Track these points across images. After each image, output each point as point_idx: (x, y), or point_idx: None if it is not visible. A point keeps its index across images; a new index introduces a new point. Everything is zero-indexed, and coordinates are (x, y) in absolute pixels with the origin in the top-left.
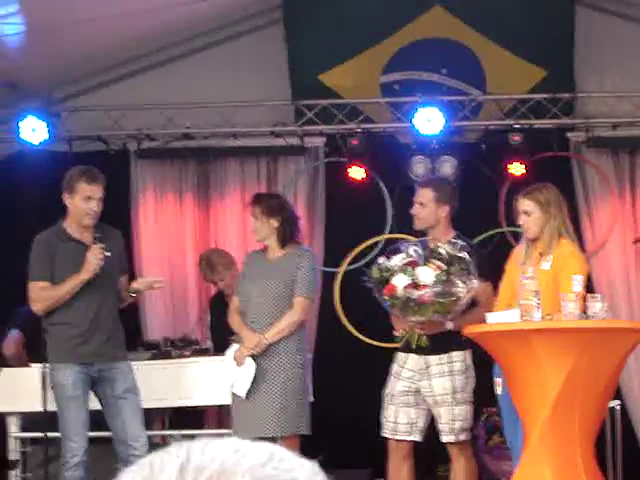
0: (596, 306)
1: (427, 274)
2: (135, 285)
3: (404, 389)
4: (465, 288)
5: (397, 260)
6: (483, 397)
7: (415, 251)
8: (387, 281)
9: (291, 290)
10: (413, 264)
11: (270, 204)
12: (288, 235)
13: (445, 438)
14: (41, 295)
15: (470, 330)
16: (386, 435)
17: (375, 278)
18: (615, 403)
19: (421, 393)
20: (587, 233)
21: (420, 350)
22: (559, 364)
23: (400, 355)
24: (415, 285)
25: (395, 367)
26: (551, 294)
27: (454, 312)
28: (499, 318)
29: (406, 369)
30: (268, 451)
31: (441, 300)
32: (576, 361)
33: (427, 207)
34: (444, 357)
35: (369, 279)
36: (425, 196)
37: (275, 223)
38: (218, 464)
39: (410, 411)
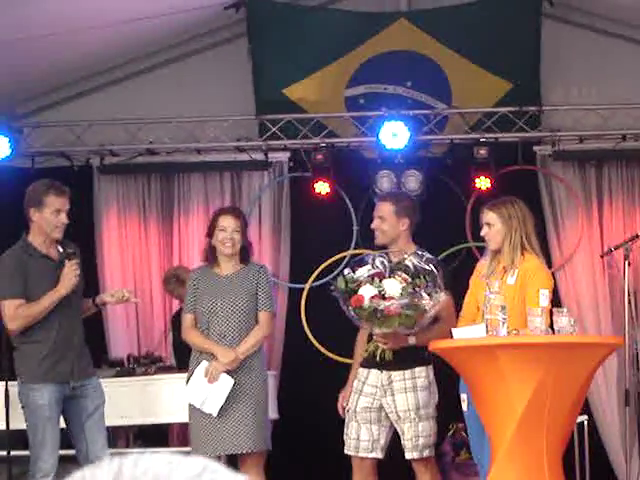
0: (563, 320)
1: (393, 286)
2: (106, 298)
3: (366, 405)
4: (431, 301)
5: (363, 271)
6: (450, 413)
7: (382, 263)
8: (354, 292)
9: (255, 305)
10: (379, 276)
11: (244, 221)
12: (247, 249)
13: (409, 455)
14: (18, 313)
15: (436, 345)
16: (348, 452)
17: (341, 289)
18: (583, 418)
19: (384, 409)
20: (554, 246)
21: (382, 366)
22: (526, 379)
23: (361, 371)
24: (382, 296)
25: (356, 383)
26: (517, 309)
27: (420, 325)
28: (465, 333)
29: (368, 385)
30: (201, 464)
31: (407, 312)
32: (543, 376)
33: (387, 221)
34: (407, 373)
35: (335, 290)
36: (384, 210)
37: (242, 239)
38: (151, 476)
39: (372, 428)
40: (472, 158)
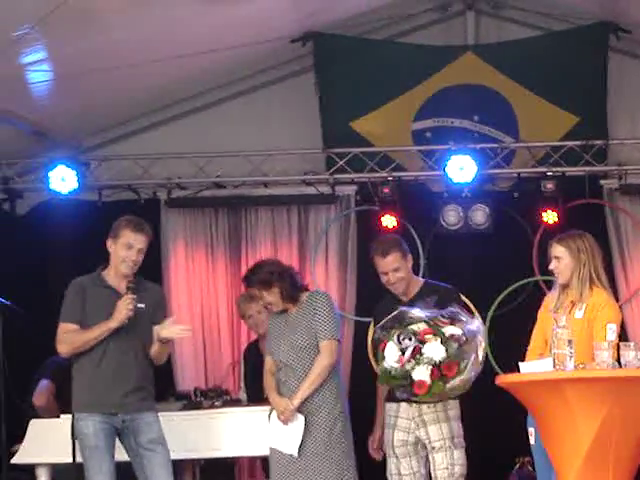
0: (629, 354)
1: (435, 349)
2: (162, 333)
3: (403, 438)
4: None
5: (393, 357)
6: (516, 446)
7: (408, 338)
8: (411, 378)
9: (315, 339)
10: (417, 350)
11: (260, 279)
12: (291, 292)
13: None
14: (67, 338)
15: (503, 380)
16: None
17: (397, 383)
18: None
19: (420, 441)
20: (621, 280)
21: (410, 400)
22: (592, 413)
23: (389, 405)
24: (439, 369)
25: (388, 419)
26: (585, 343)
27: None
28: (532, 368)
29: (401, 418)
30: None
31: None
32: (610, 410)
33: (402, 269)
34: (438, 405)
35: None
36: (395, 260)
37: (276, 291)
38: None
39: (411, 461)
40: (539, 192)
